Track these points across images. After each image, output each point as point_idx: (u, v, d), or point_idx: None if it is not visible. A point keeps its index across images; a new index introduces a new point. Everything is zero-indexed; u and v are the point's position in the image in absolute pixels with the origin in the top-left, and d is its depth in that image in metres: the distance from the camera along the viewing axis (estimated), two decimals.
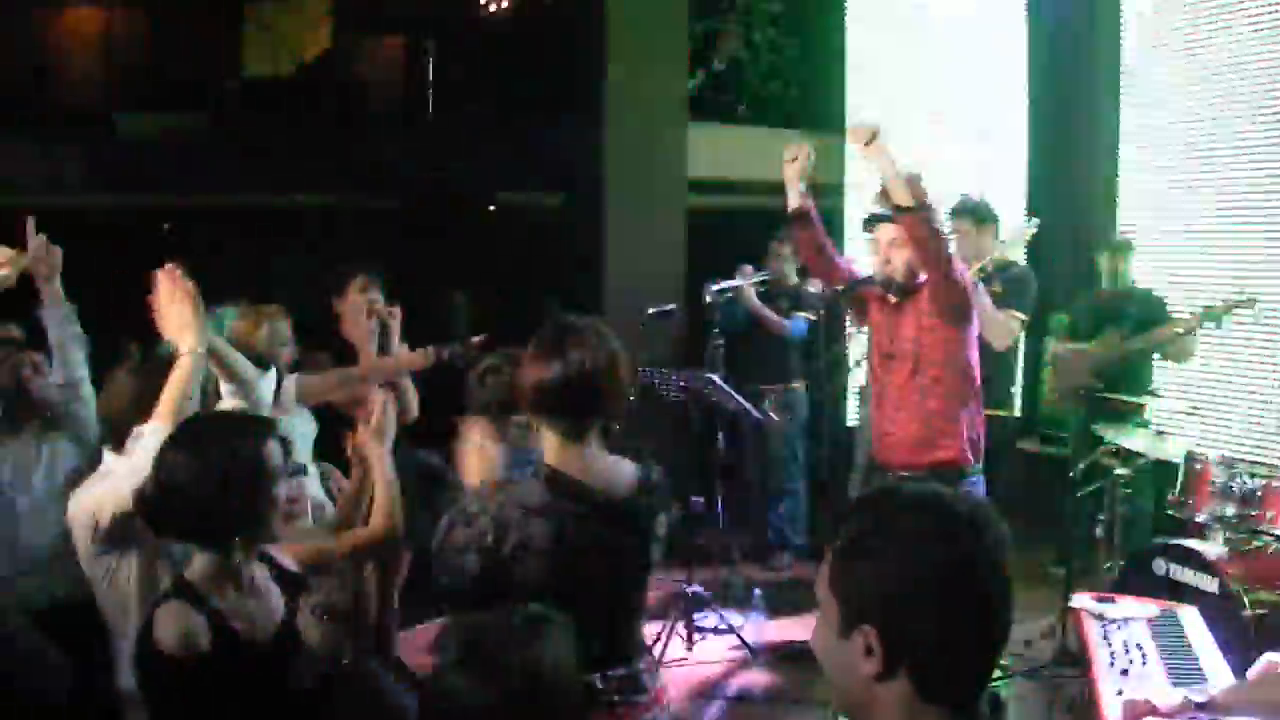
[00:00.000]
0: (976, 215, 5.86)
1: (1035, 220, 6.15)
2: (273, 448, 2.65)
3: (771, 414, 6.72)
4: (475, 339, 4.72)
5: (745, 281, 6.63)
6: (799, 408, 7.29)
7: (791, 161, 4.73)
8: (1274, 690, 3.13)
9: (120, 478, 2.94)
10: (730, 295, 6.59)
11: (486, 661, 2.06)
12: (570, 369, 2.64)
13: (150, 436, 2.94)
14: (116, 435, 3.19)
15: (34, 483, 4.01)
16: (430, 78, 9.55)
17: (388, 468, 3.33)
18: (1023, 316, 5.86)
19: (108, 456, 3.20)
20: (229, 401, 3.87)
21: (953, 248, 4.74)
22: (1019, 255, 6.15)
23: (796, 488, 7.29)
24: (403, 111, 10.20)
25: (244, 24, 12.14)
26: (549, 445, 2.72)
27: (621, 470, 2.74)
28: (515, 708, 2.02)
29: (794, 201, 4.78)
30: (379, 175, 9.17)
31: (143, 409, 3.09)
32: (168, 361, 3.16)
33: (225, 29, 11.60)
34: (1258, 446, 6.67)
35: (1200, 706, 3.10)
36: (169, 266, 3.20)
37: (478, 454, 3.28)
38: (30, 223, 3.53)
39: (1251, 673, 3.38)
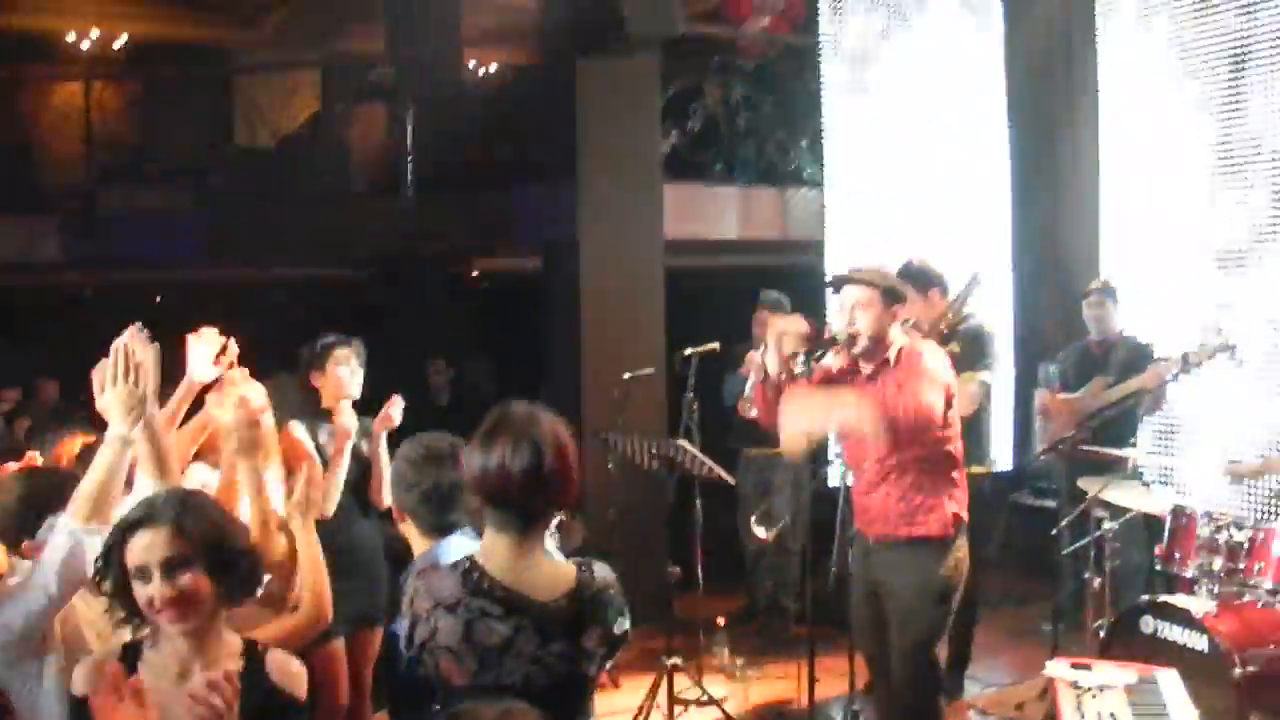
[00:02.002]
0: (916, 282, 5.73)
1: (977, 274, 6.05)
2: None
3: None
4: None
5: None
6: (800, 469, 7.15)
7: (780, 334, 4.47)
8: None
9: (22, 580, 2.82)
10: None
11: None
12: (490, 466, 2.56)
13: (59, 534, 2.77)
14: (6, 536, 3.07)
15: None
16: (409, 145, 9.52)
17: (312, 546, 3.23)
18: (984, 374, 5.75)
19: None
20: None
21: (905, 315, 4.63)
22: (977, 310, 6.03)
23: (793, 549, 7.16)
24: (383, 180, 10.19)
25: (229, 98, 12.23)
26: (486, 537, 2.64)
27: (556, 573, 2.64)
28: None
29: (773, 368, 4.46)
30: (358, 245, 9.16)
31: (36, 507, 2.98)
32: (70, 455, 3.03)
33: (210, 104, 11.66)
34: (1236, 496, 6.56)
35: None
36: (132, 329, 2.88)
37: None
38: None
39: None
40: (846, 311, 4.57)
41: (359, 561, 4.88)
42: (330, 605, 3.26)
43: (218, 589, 2.52)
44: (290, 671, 2.63)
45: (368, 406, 5.00)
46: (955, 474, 4.58)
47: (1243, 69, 6.77)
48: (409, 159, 9.50)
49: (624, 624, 2.64)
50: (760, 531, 6.60)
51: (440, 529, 3.09)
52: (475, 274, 9.76)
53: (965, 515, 4.58)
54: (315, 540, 3.30)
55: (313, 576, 3.22)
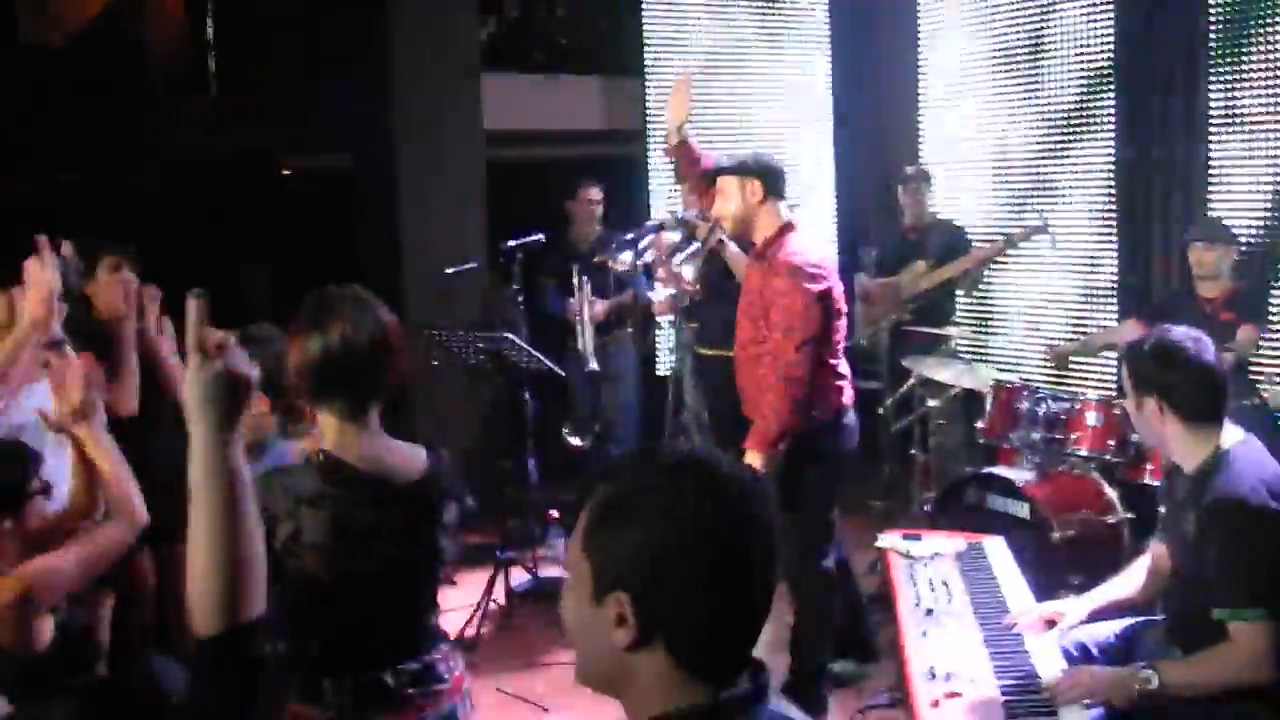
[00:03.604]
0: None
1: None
2: None
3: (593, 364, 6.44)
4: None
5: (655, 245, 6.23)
6: (629, 357, 7.11)
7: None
8: None
9: None
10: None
11: None
12: (332, 345, 2.47)
13: None
14: None
15: None
16: (212, 41, 9.00)
17: (105, 450, 3.04)
18: None
19: None
20: None
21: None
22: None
23: (631, 435, 7.13)
24: (182, 78, 9.61)
25: None
26: (326, 429, 2.55)
27: (408, 455, 2.61)
28: None
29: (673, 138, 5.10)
30: (157, 147, 8.65)
31: None
32: None
33: None
34: (1050, 369, 6.79)
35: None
36: None
37: None
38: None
39: None
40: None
41: (154, 470, 4.63)
42: (143, 509, 3.08)
43: None
44: None
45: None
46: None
47: None
48: (211, 54, 8.99)
49: (469, 499, 2.68)
50: (575, 440, 6.55)
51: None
52: (286, 173, 9.33)
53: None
54: (107, 443, 3.10)
55: (114, 481, 3.02)
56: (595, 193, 6.98)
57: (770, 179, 4.51)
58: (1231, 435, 3.18)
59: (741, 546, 1.42)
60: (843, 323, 4.55)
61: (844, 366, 4.60)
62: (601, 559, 1.44)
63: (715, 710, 1.42)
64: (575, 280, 6.28)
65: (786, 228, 4.50)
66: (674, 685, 1.42)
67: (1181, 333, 3.22)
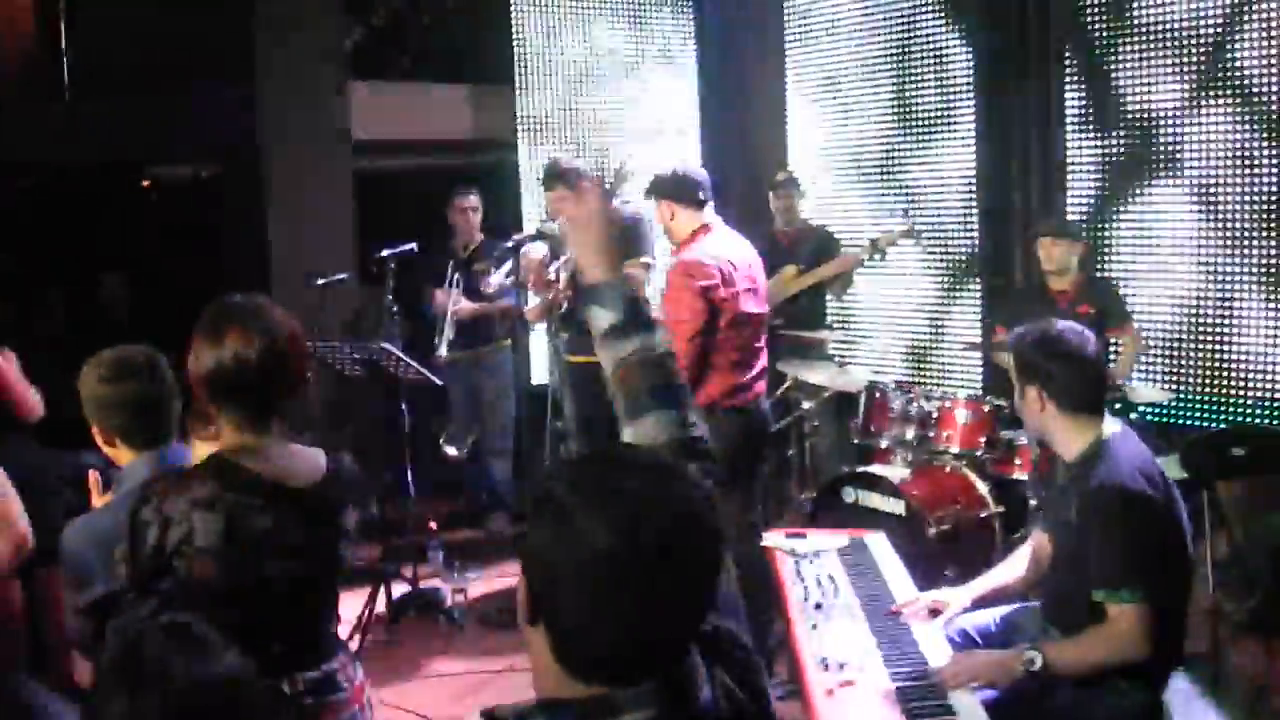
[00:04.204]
0: (565, 179, 5.83)
1: (624, 164, 6.15)
2: None
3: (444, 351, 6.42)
4: None
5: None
6: (506, 368, 7.09)
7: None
8: None
9: None
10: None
11: (146, 675, 1.82)
12: (224, 358, 2.45)
13: None
14: None
15: None
16: (64, 44, 8.70)
17: None
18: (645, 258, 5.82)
19: None
20: None
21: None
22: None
23: (508, 448, 7.11)
24: (34, 83, 9.28)
25: None
26: (225, 434, 2.53)
27: (307, 459, 2.59)
28: None
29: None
30: (7, 155, 8.34)
31: None
32: None
33: None
34: (919, 369, 6.97)
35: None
36: None
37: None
38: None
39: None
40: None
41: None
42: (27, 526, 2.97)
43: None
44: None
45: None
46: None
47: None
48: (65, 59, 8.69)
49: (372, 505, 2.63)
50: (451, 450, 6.51)
51: (157, 441, 2.89)
52: (146, 183, 9.08)
53: None
54: None
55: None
56: (472, 200, 6.98)
57: (676, 193, 4.76)
58: (1110, 426, 3.30)
59: (635, 577, 1.39)
60: (737, 322, 4.63)
61: (739, 368, 4.67)
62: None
63: (591, 705, 1.44)
64: (449, 277, 6.35)
65: (701, 230, 4.74)
66: (556, 674, 1.46)
67: (1065, 325, 3.34)
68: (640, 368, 1.94)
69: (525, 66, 7.75)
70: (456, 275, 6.60)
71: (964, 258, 7.00)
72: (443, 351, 6.22)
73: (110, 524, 2.62)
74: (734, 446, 4.63)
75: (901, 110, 7.27)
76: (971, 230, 6.92)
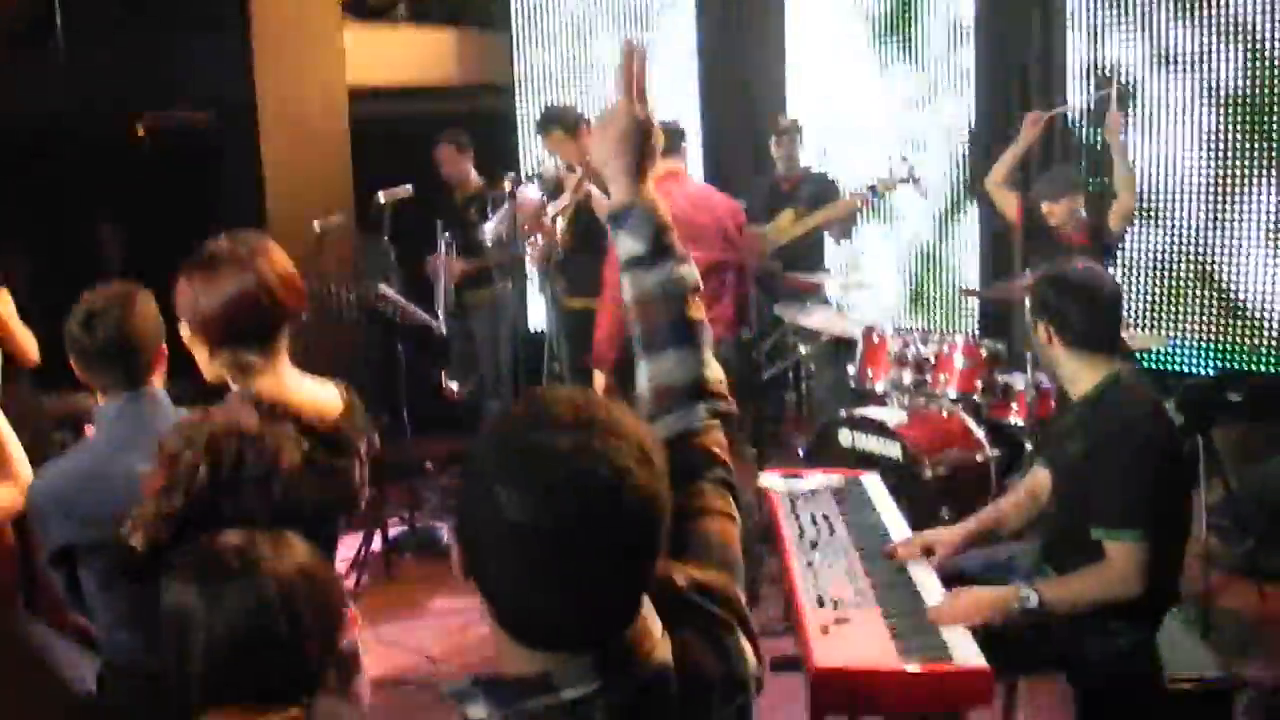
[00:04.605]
0: (563, 124, 5.92)
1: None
2: None
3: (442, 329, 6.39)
4: None
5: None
6: (503, 313, 7.07)
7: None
8: None
9: None
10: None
11: (243, 563, 1.94)
12: (232, 291, 2.43)
13: None
14: None
15: None
16: None
17: None
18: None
19: None
20: None
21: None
22: None
23: (506, 391, 7.10)
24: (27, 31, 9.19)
25: None
26: (249, 374, 2.49)
27: (326, 393, 2.59)
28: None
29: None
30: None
31: None
32: None
33: None
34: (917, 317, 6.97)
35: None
36: None
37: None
38: None
39: None
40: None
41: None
42: (30, 471, 2.96)
43: None
44: None
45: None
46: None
47: None
48: (57, 7, 8.60)
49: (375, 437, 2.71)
50: (454, 385, 6.50)
51: (131, 384, 2.79)
52: (141, 132, 9.01)
53: None
54: None
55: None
56: (446, 149, 6.91)
57: None
58: (1122, 366, 3.32)
59: (555, 540, 1.27)
60: None
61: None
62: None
63: (529, 684, 1.35)
64: (439, 237, 6.29)
65: (666, 177, 4.63)
66: (503, 639, 1.37)
67: (1082, 264, 3.37)
68: (663, 302, 1.77)
69: (521, 11, 7.69)
70: (448, 234, 6.47)
71: (964, 205, 6.97)
72: (441, 316, 6.08)
73: (72, 467, 2.58)
74: None
75: (902, 53, 7.20)
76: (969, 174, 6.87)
